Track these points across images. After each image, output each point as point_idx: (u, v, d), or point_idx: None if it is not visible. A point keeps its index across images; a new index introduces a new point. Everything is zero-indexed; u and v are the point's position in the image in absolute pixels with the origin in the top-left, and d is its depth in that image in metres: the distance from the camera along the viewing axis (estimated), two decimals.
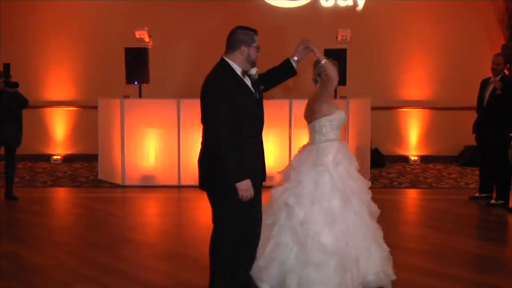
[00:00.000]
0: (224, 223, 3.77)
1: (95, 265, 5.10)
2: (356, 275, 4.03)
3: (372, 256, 4.20)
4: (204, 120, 3.69)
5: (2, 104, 7.39)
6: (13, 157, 7.69)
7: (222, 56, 3.79)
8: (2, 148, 7.64)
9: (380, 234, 4.42)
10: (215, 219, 3.85)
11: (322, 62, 4.20)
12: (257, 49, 3.76)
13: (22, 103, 7.58)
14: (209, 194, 3.85)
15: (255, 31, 3.79)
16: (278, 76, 4.15)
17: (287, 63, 4.12)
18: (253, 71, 3.82)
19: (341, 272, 3.97)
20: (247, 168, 3.67)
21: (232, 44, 3.74)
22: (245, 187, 3.62)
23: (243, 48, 3.70)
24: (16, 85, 7.42)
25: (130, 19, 10.19)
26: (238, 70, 3.74)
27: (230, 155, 3.59)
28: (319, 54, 4.20)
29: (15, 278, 4.81)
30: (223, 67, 3.72)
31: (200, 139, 3.86)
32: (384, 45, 10.57)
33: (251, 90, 3.80)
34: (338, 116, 4.31)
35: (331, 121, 4.29)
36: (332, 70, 4.18)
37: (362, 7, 10.61)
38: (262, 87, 3.97)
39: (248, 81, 3.80)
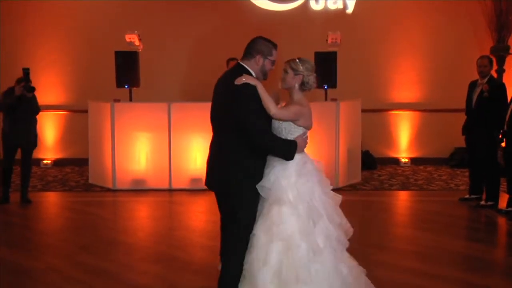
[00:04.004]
0: (249, 220, 3.67)
1: (86, 268, 5.11)
2: None
3: None
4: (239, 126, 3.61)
5: (21, 108, 7.52)
6: (29, 160, 7.81)
7: (238, 62, 3.81)
8: (18, 150, 7.76)
9: None
10: (239, 219, 3.67)
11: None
12: (272, 62, 3.78)
13: (35, 109, 7.79)
14: (234, 195, 3.69)
15: (275, 45, 3.79)
16: None
17: None
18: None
19: None
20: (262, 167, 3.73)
21: (249, 51, 3.76)
22: (303, 143, 3.73)
23: (258, 58, 3.72)
24: (33, 89, 7.59)
25: (120, 22, 10.21)
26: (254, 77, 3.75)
27: (276, 143, 3.68)
28: None
29: (5, 282, 4.81)
30: (243, 72, 3.70)
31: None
32: (374, 48, 10.65)
33: None
34: None
35: None
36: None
37: (352, 10, 10.70)
38: None
39: None
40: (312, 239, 3.57)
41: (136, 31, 9.03)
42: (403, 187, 8.73)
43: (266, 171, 3.71)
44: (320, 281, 3.55)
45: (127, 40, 8.98)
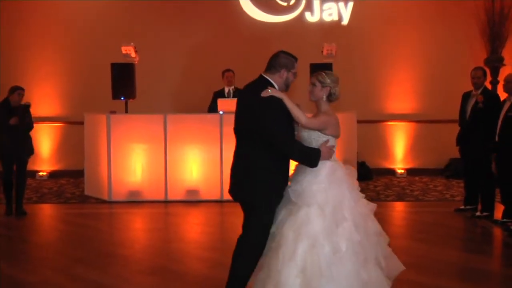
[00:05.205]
0: (260, 229, 3.94)
1: (81, 281, 5.08)
2: None
3: None
4: (265, 136, 3.83)
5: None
6: (24, 171, 7.81)
7: (261, 74, 4.02)
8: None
9: None
10: (250, 225, 3.98)
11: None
12: (295, 74, 4.03)
13: (29, 125, 7.84)
14: (249, 204, 3.98)
15: (296, 59, 4.04)
16: None
17: None
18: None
19: None
20: (284, 177, 3.99)
21: (273, 65, 3.98)
22: (326, 150, 3.93)
23: (283, 72, 3.96)
24: (31, 127, 7.83)
25: (117, 34, 10.27)
26: (277, 89, 3.97)
27: (301, 151, 3.92)
28: None
29: None
30: (267, 85, 3.91)
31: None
32: (369, 59, 10.72)
33: None
34: None
35: None
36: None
37: (347, 21, 10.79)
38: None
39: None
40: (334, 240, 3.77)
41: (132, 43, 9.09)
42: (399, 198, 8.76)
43: (299, 178, 3.96)
44: (340, 281, 3.74)
45: (123, 52, 9.04)
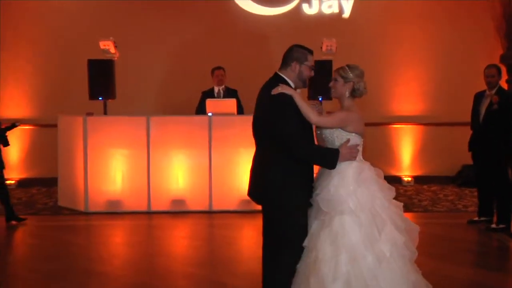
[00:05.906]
0: (296, 235, 3.98)
1: None
2: None
3: None
4: (279, 137, 3.91)
5: None
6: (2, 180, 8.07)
7: (275, 72, 4.14)
8: None
9: None
10: (284, 232, 4.00)
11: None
12: (310, 68, 4.09)
13: (6, 143, 8.19)
14: (279, 208, 4.00)
15: (310, 51, 4.12)
16: None
17: None
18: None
19: None
20: (304, 180, 4.03)
21: (285, 60, 4.10)
22: (347, 151, 3.96)
23: (294, 65, 4.05)
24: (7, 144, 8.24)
25: (94, 28, 10.27)
26: (293, 86, 4.07)
27: (315, 152, 4.00)
28: None
29: None
30: (280, 82, 4.00)
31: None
32: (373, 56, 10.73)
33: None
34: None
35: None
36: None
37: (348, 14, 10.82)
38: None
39: None
40: (377, 248, 3.81)
41: (111, 38, 9.08)
42: (406, 209, 8.65)
43: (324, 183, 3.96)
44: None
45: (102, 47, 9.03)
